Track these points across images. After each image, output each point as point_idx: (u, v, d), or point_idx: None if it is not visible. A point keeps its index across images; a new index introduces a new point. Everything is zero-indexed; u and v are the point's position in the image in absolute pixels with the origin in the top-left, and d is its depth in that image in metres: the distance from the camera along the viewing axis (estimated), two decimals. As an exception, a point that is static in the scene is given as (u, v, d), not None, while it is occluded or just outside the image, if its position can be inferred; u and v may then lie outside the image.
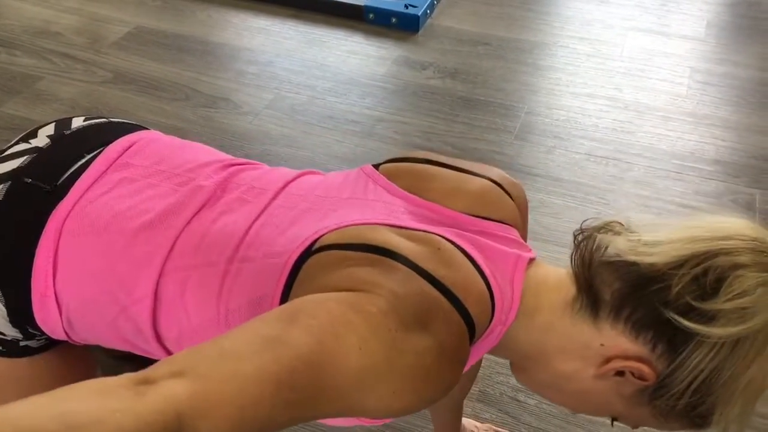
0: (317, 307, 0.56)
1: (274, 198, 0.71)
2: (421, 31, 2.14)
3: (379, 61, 2.00)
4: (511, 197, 0.74)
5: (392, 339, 0.56)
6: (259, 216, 0.69)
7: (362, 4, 2.15)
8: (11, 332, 0.76)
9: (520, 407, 1.16)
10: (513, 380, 1.20)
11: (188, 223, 0.70)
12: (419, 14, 2.11)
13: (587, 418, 1.14)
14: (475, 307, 0.61)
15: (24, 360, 0.79)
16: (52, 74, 1.90)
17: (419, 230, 0.65)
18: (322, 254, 0.62)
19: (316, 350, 0.53)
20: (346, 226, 0.65)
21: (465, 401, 1.12)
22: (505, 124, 1.75)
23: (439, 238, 0.65)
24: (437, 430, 1.07)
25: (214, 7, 2.23)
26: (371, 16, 2.14)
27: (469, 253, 0.65)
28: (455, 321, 0.60)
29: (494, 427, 1.11)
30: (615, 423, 0.71)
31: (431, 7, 2.20)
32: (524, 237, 0.76)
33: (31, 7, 2.18)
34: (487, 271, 0.65)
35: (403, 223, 0.66)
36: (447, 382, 0.60)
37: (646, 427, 0.68)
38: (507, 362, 1.20)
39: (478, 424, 1.11)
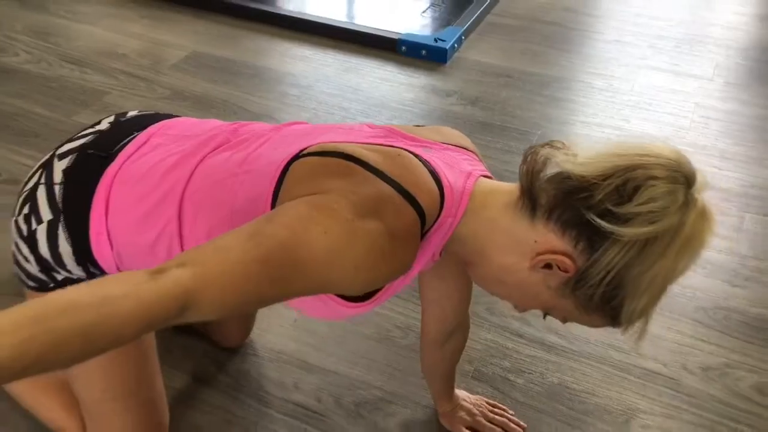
0: (290, 208, 0.75)
1: (270, 137, 0.92)
2: (448, 63, 2.34)
3: (408, 88, 2.21)
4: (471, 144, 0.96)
5: (351, 225, 0.74)
6: (261, 145, 0.89)
7: (396, 37, 2.37)
8: (77, 272, 0.97)
9: (509, 385, 1.31)
10: (505, 362, 1.35)
11: (203, 159, 0.91)
12: (447, 47, 2.31)
13: (568, 396, 1.29)
14: (424, 199, 0.79)
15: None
16: (117, 90, 2.14)
17: (386, 145, 0.84)
18: (303, 159, 0.82)
19: (289, 237, 0.72)
20: (326, 142, 0.84)
21: (461, 378, 1.28)
22: (519, 147, 1.92)
23: (400, 149, 0.83)
24: (434, 395, 1.23)
25: (261, 36, 2.47)
26: (404, 48, 2.35)
27: (426, 160, 0.83)
28: (407, 212, 0.78)
29: (485, 398, 1.27)
30: (547, 316, 0.88)
31: (459, 41, 2.40)
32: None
33: (102, 32, 2.44)
34: (440, 174, 0.83)
35: (375, 141, 0.85)
36: (400, 261, 0.78)
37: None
38: (501, 346, 1.37)
39: (470, 395, 1.27)
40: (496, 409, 1.25)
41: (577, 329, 1.42)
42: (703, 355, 1.38)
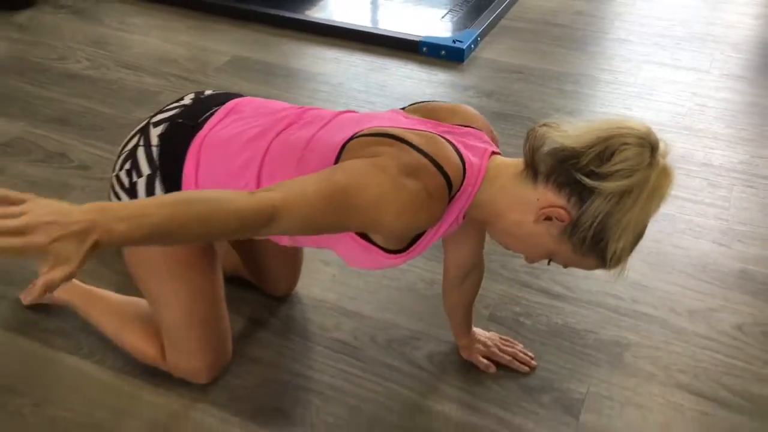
0: (351, 163, 0.99)
1: (330, 121, 1.15)
2: (465, 62, 2.56)
3: (429, 84, 2.43)
4: (484, 121, 1.18)
5: (397, 181, 0.97)
6: (320, 128, 1.12)
7: (417, 39, 2.60)
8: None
9: (519, 325, 1.52)
10: (516, 307, 1.56)
11: (277, 135, 1.14)
12: (464, 48, 2.54)
13: (569, 334, 1.49)
14: (451, 171, 1.02)
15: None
16: (169, 90, 2.39)
17: (422, 130, 1.06)
18: (357, 139, 1.05)
19: (349, 183, 0.96)
20: (374, 126, 1.07)
21: (478, 321, 1.49)
22: (530, 133, 2.14)
23: (433, 133, 1.06)
24: (454, 331, 1.44)
25: (294, 41, 2.72)
26: (425, 49, 2.59)
27: (452, 142, 1.06)
28: (438, 178, 1.01)
29: (498, 335, 1.47)
30: (550, 263, 1.10)
31: (475, 42, 2.63)
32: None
33: (153, 41, 2.71)
34: (463, 152, 1.05)
35: (413, 127, 1.07)
36: (431, 214, 1.01)
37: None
38: (512, 295, 1.57)
39: (485, 331, 1.48)
40: (507, 343, 1.46)
41: (578, 281, 1.62)
42: (690, 301, 1.58)
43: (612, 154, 0.97)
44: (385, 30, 2.73)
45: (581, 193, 0.99)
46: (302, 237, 1.17)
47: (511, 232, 1.10)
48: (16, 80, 2.41)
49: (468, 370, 1.42)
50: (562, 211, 1.01)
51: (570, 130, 1.02)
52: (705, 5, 3.04)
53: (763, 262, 1.68)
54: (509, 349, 1.44)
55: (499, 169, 1.09)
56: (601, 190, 0.97)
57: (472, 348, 1.43)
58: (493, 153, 1.11)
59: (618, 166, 0.96)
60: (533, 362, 1.43)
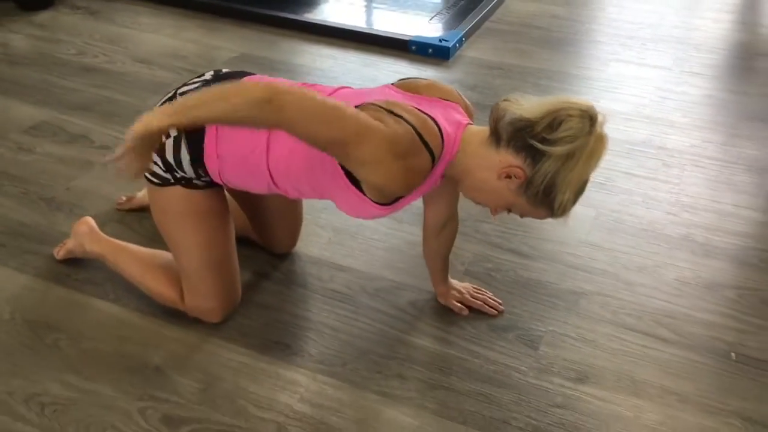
0: (364, 116, 1.21)
1: (331, 94, 1.38)
2: (451, 59, 2.81)
3: (417, 79, 2.67)
4: (460, 96, 1.41)
5: (390, 153, 1.19)
6: (327, 93, 1.34)
7: (407, 38, 2.84)
8: (190, 173, 1.43)
9: (491, 278, 1.75)
10: (488, 264, 1.79)
11: None
12: (450, 46, 2.78)
13: (534, 286, 1.72)
14: (435, 146, 1.25)
15: (194, 191, 1.46)
16: (180, 82, 2.60)
17: (412, 107, 1.28)
18: (367, 106, 1.27)
19: (359, 119, 1.18)
20: (375, 99, 1.29)
21: (455, 275, 1.71)
22: (507, 121, 2.38)
23: (419, 111, 1.28)
24: (433, 280, 1.66)
25: (295, 41, 2.96)
26: (413, 47, 2.83)
27: (434, 117, 1.28)
28: (425, 155, 1.24)
29: (472, 285, 1.70)
30: (509, 213, 1.34)
31: (460, 42, 2.87)
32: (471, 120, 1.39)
33: (164, 38, 2.94)
34: (442, 125, 1.28)
35: (404, 102, 1.30)
36: (409, 187, 1.24)
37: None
38: (485, 253, 1.79)
39: (460, 282, 1.70)
40: (479, 291, 1.68)
41: (543, 243, 1.85)
42: (639, 259, 1.81)
43: (559, 124, 1.20)
44: (377, 30, 2.98)
45: (534, 156, 1.23)
46: (307, 188, 1.39)
47: (479, 188, 1.33)
48: (40, 72, 2.64)
49: (444, 313, 1.65)
50: (519, 170, 1.24)
51: (526, 104, 1.25)
52: (671, 11, 3.29)
53: (704, 228, 1.92)
54: (480, 296, 1.67)
55: (470, 138, 1.32)
56: (551, 153, 1.20)
57: (448, 294, 1.66)
58: (467, 125, 1.35)
59: (564, 134, 1.19)
60: (501, 307, 1.66)
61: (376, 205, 1.33)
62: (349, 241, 1.86)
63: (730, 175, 2.14)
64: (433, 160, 1.26)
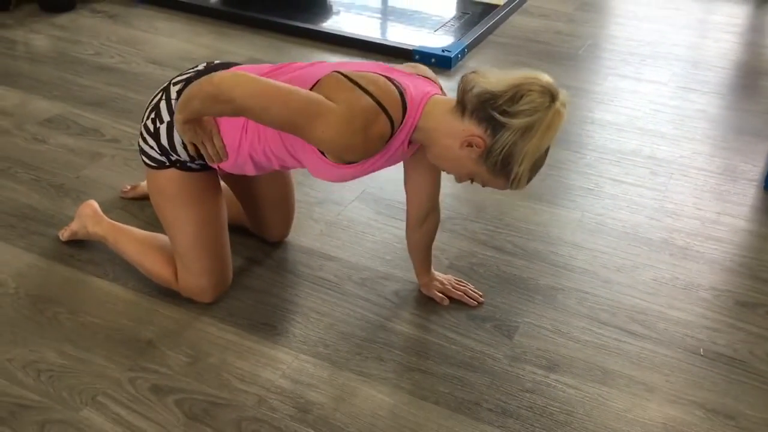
0: (321, 97, 1.30)
1: (305, 67, 1.45)
2: (452, 69, 2.89)
3: (419, 86, 2.76)
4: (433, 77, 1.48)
5: (350, 118, 1.28)
6: (298, 69, 1.43)
7: (411, 48, 2.94)
8: (184, 156, 1.52)
9: (474, 272, 1.82)
10: (472, 259, 1.85)
11: None
12: (452, 56, 2.87)
13: (515, 281, 1.78)
14: (392, 109, 1.32)
15: (189, 173, 1.55)
16: (190, 83, 2.73)
17: (377, 73, 1.36)
18: (330, 75, 1.35)
19: (311, 100, 1.28)
20: (342, 69, 1.37)
21: (439, 269, 1.78)
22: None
23: (384, 76, 1.35)
24: (416, 271, 1.73)
25: (303, 47, 3.07)
26: (417, 57, 2.92)
27: (396, 82, 1.35)
28: (382, 118, 1.31)
29: (455, 277, 1.77)
30: (473, 182, 1.41)
31: (463, 53, 2.96)
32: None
33: (177, 42, 3.06)
34: (406, 90, 1.35)
35: (373, 70, 1.37)
36: (373, 143, 1.32)
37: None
38: (470, 249, 1.86)
39: (444, 274, 1.77)
40: (460, 282, 1.75)
41: (526, 242, 1.92)
42: (619, 260, 1.87)
43: (520, 98, 1.27)
44: (382, 39, 3.08)
45: (495, 127, 1.29)
46: (285, 154, 1.46)
47: (443, 155, 1.40)
48: (58, 70, 2.77)
49: (426, 302, 1.72)
50: (479, 140, 1.31)
51: (492, 77, 1.32)
52: (673, 30, 3.37)
53: (685, 233, 1.97)
54: (461, 287, 1.73)
55: (436, 106, 1.38)
56: (510, 125, 1.27)
57: (430, 285, 1.73)
58: (435, 94, 1.41)
59: (524, 107, 1.26)
60: (481, 299, 1.72)
61: (340, 165, 1.40)
62: (340, 233, 1.94)
63: (715, 184, 2.19)
64: (392, 124, 1.33)
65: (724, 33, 3.35)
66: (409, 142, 1.42)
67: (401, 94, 1.35)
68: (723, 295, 1.77)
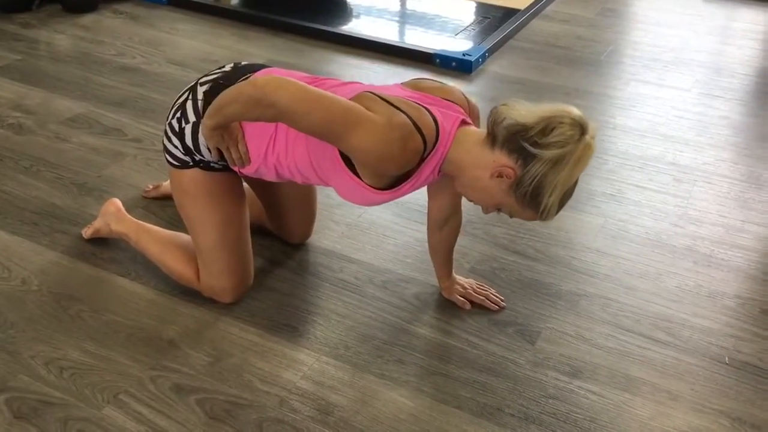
0: (359, 107, 1.30)
1: (339, 86, 1.46)
2: (473, 73, 2.89)
3: (439, 90, 2.75)
4: (466, 99, 1.47)
5: (388, 129, 1.28)
6: (333, 88, 1.43)
7: (432, 52, 2.93)
8: (208, 156, 1.53)
9: (496, 277, 1.81)
10: (494, 263, 1.84)
11: None
12: (472, 60, 2.87)
13: (537, 286, 1.77)
14: (427, 133, 1.33)
15: (212, 173, 1.56)
16: (211, 84, 2.74)
17: (411, 100, 1.36)
18: (364, 93, 1.35)
19: (351, 109, 1.28)
20: (379, 91, 1.37)
21: (461, 273, 1.78)
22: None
23: (419, 105, 1.36)
24: (438, 274, 1.73)
25: (323, 50, 3.07)
26: (438, 60, 2.92)
27: (431, 111, 1.36)
28: (417, 138, 1.31)
29: (476, 282, 1.76)
30: (500, 212, 1.40)
31: (483, 57, 2.95)
32: (474, 123, 1.46)
33: (199, 44, 3.08)
34: (439, 120, 1.35)
35: (405, 96, 1.38)
36: (399, 165, 1.32)
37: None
38: (492, 254, 1.85)
39: (465, 279, 1.76)
40: (482, 287, 1.74)
41: (549, 247, 1.91)
42: (642, 266, 1.85)
43: (552, 130, 1.27)
44: (403, 43, 3.08)
45: (526, 158, 1.30)
46: (311, 173, 1.47)
47: (472, 185, 1.40)
48: (81, 70, 2.78)
49: (448, 306, 1.71)
50: (510, 170, 1.32)
51: (523, 110, 1.32)
52: (696, 36, 3.34)
53: (709, 240, 1.95)
54: (483, 292, 1.72)
55: (466, 136, 1.39)
56: (541, 156, 1.27)
57: (452, 289, 1.72)
58: (464, 121, 1.42)
59: (555, 139, 1.27)
60: (503, 303, 1.71)
61: (373, 190, 1.40)
62: (361, 236, 1.94)
63: (739, 192, 2.17)
64: (425, 144, 1.33)
65: (746, 39, 3.32)
66: (439, 171, 1.43)
67: (435, 122, 1.35)
68: (748, 303, 1.75)
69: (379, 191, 1.41)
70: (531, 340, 1.62)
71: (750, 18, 3.59)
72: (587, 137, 1.28)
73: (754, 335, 1.65)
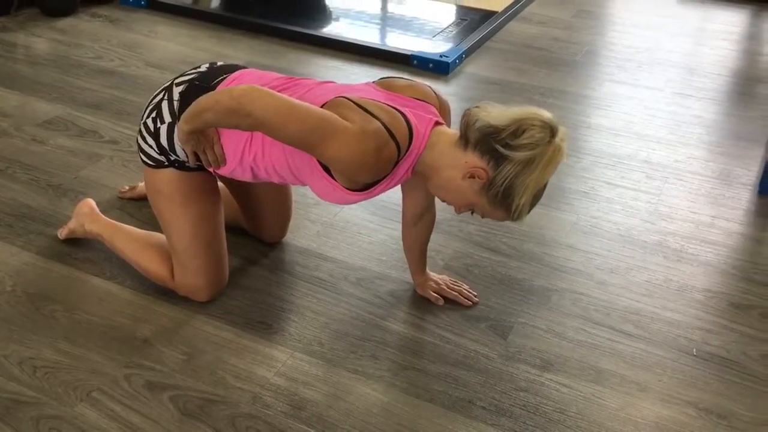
0: (332, 114, 1.32)
1: (312, 88, 1.47)
2: (450, 74, 2.91)
3: (416, 91, 2.77)
4: (436, 96, 1.48)
5: (362, 139, 1.30)
6: (306, 92, 1.44)
7: (409, 53, 2.96)
8: (183, 156, 1.53)
9: (469, 273, 1.83)
10: (467, 260, 1.86)
11: None
12: (449, 62, 2.89)
13: (509, 281, 1.79)
14: (401, 139, 1.35)
15: (187, 173, 1.57)
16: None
17: (385, 104, 1.38)
18: (339, 99, 1.37)
19: (326, 119, 1.29)
20: (353, 95, 1.39)
21: (435, 269, 1.79)
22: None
23: (392, 107, 1.37)
24: (412, 271, 1.74)
25: (302, 52, 3.08)
26: (415, 61, 2.94)
27: (406, 114, 1.37)
28: (391, 143, 1.33)
29: (450, 278, 1.77)
30: (473, 213, 1.43)
31: (460, 58, 2.98)
32: (445, 119, 1.48)
33: (176, 46, 3.08)
34: (413, 123, 1.37)
35: (379, 99, 1.39)
36: (374, 173, 1.35)
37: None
38: (465, 251, 1.87)
39: (439, 275, 1.78)
40: (455, 282, 1.76)
41: (522, 244, 1.93)
42: (613, 262, 1.88)
43: (522, 132, 1.30)
44: (380, 44, 3.10)
45: (498, 160, 1.32)
46: (287, 173, 1.48)
47: (444, 186, 1.42)
48: (58, 73, 2.78)
49: (421, 302, 1.73)
50: (482, 171, 1.34)
51: (494, 112, 1.35)
52: (670, 37, 3.39)
53: (680, 236, 1.99)
54: (456, 287, 1.74)
55: (439, 137, 1.41)
56: (512, 158, 1.30)
57: (425, 285, 1.74)
58: (437, 123, 1.44)
59: (525, 141, 1.29)
60: (476, 299, 1.73)
61: (348, 191, 1.42)
62: (337, 234, 1.95)
63: (710, 188, 2.21)
64: (399, 150, 1.36)
65: (720, 41, 3.37)
66: (413, 171, 1.44)
67: (409, 126, 1.37)
68: (716, 297, 1.78)
69: (354, 192, 1.43)
70: (503, 335, 1.64)
71: (724, 19, 3.65)
72: (557, 140, 1.31)
73: (722, 327, 1.68)
